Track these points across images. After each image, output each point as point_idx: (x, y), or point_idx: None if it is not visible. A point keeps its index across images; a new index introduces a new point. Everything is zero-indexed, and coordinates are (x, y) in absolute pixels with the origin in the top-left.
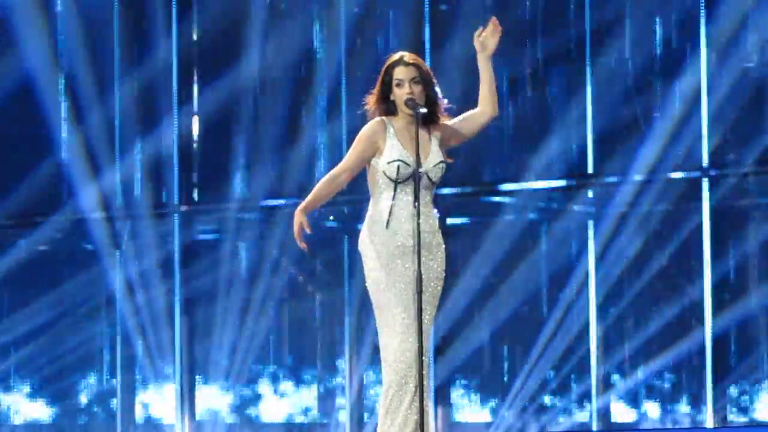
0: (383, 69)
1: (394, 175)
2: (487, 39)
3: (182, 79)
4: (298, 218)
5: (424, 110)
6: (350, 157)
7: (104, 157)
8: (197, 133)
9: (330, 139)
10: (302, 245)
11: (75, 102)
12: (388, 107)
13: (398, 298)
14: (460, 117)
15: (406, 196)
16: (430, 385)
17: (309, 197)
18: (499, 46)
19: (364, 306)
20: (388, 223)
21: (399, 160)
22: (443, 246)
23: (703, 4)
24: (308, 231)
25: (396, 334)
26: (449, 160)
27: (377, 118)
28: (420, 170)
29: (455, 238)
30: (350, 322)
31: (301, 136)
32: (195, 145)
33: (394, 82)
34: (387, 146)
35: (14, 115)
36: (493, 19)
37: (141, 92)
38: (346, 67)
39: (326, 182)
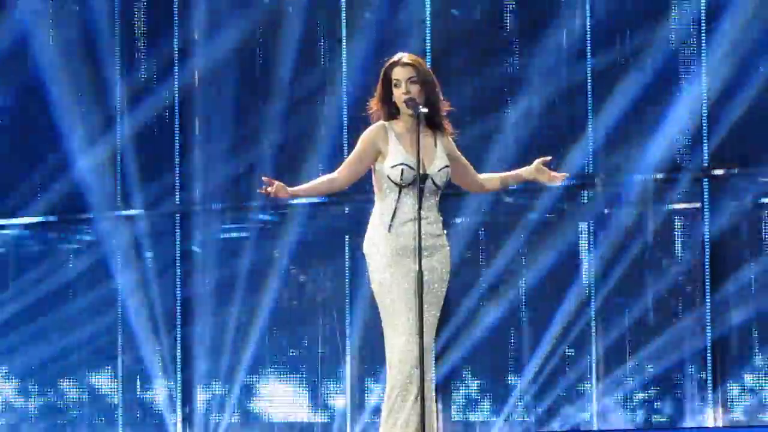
0: (382, 71)
1: (398, 179)
2: (543, 176)
3: (183, 79)
4: (281, 184)
5: (424, 110)
6: (349, 159)
7: (106, 157)
8: (199, 133)
9: (331, 140)
10: (264, 178)
11: (79, 101)
12: (390, 109)
13: (402, 300)
14: (465, 161)
15: (410, 199)
16: (434, 385)
17: (303, 185)
18: (500, 44)
19: (366, 306)
20: (390, 226)
21: (403, 164)
22: (448, 248)
23: (704, 4)
24: (269, 190)
25: (400, 335)
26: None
27: (378, 123)
28: (425, 173)
29: (456, 237)
30: (351, 322)
31: (302, 137)
32: (197, 145)
33: (393, 83)
34: (390, 150)
35: (18, 114)
36: (564, 175)
37: (143, 90)
38: (348, 68)
39: (324, 180)
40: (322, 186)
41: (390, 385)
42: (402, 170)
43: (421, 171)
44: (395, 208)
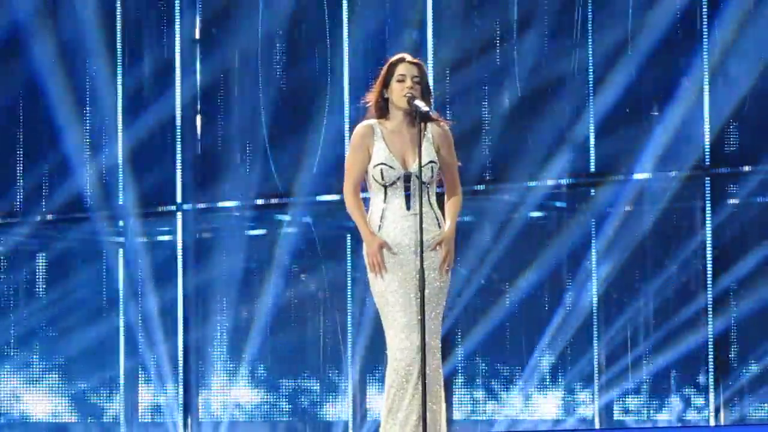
0: (386, 66)
1: (380, 179)
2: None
3: (184, 77)
4: (375, 244)
5: (426, 108)
6: (355, 168)
7: (108, 155)
8: (200, 131)
9: (332, 138)
10: (383, 270)
11: (77, 99)
12: (384, 106)
13: (395, 298)
14: (450, 163)
15: (396, 198)
16: (441, 382)
17: (362, 222)
18: (497, 43)
19: (366, 305)
20: (380, 226)
21: (382, 164)
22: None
23: (705, 2)
24: (389, 249)
25: (395, 333)
26: (458, 163)
27: (364, 123)
28: (408, 172)
29: (459, 235)
30: (352, 321)
31: (303, 134)
32: (198, 143)
33: (396, 78)
34: (374, 150)
35: (17, 112)
36: (446, 269)
37: (143, 89)
38: (349, 65)
39: (356, 200)
40: (362, 206)
41: (388, 383)
42: (381, 170)
43: (403, 170)
44: (383, 208)
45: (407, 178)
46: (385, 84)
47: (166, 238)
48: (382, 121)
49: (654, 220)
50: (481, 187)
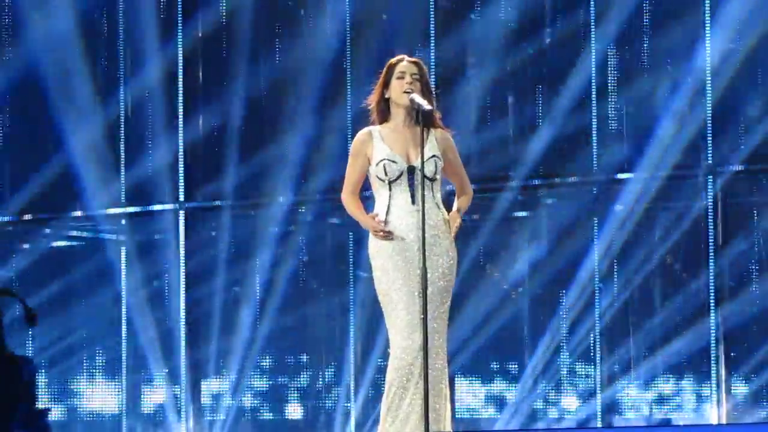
0: (386, 67)
1: (383, 175)
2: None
3: (186, 76)
4: (370, 220)
5: (428, 107)
6: (353, 174)
7: (109, 154)
8: (201, 130)
9: (333, 137)
10: (386, 234)
11: (82, 99)
12: (385, 108)
13: (399, 296)
14: (456, 165)
15: (402, 194)
16: (446, 380)
17: (358, 212)
18: (500, 43)
19: (368, 303)
20: (386, 223)
21: (384, 159)
22: (450, 241)
23: (707, 1)
24: (379, 218)
25: (398, 331)
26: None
27: (363, 130)
28: (411, 165)
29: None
30: (355, 319)
31: (304, 134)
32: (199, 143)
33: (396, 76)
34: (375, 151)
35: (21, 111)
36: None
37: (147, 89)
38: (350, 64)
39: (353, 198)
40: (359, 203)
41: (389, 380)
42: (384, 165)
43: (406, 164)
44: (388, 205)
45: (411, 172)
46: (386, 84)
47: (166, 236)
48: (383, 125)
49: (654, 220)
50: (480, 185)
